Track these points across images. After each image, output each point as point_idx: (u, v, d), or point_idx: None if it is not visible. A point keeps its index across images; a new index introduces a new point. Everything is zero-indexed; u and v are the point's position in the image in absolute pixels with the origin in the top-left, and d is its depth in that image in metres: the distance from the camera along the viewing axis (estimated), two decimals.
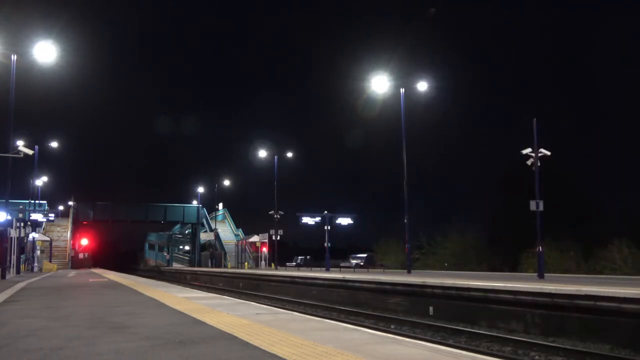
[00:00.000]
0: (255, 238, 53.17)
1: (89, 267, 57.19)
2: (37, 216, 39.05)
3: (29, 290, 15.96)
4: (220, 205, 67.75)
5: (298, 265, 48.00)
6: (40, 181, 50.98)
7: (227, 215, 69.16)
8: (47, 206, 55.98)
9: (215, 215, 67.27)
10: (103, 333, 6.57)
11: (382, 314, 16.34)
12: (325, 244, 33.43)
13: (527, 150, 20.30)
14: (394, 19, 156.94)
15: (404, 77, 27.03)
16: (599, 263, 30.83)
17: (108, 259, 76.66)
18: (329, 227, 33.46)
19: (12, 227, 30.42)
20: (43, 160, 58.41)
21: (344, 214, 35.37)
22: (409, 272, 25.15)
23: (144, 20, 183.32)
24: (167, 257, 73.27)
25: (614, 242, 29.85)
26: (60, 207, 60.33)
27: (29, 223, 37.50)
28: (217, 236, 59.85)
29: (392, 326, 14.51)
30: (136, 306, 10.17)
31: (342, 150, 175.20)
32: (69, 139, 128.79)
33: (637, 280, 18.39)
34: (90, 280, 23.18)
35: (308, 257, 53.24)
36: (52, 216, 40.85)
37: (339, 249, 59.47)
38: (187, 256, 71.19)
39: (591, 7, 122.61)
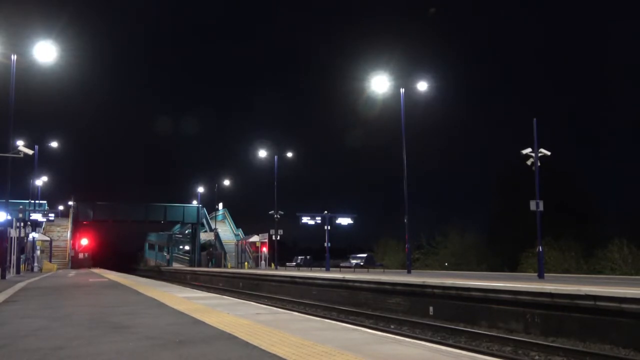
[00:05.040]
0: (255, 238, 53.17)
1: (89, 267, 57.12)
2: (37, 216, 39.03)
3: (29, 290, 15.96)
4: (220, 205, 67.78)
5: (298, 265, 47.98)
6: (40, 181, 50.93)
7: (227, 215, 69.14)
8: (47, 206, 55.96)
9: (215, 215, 67.25)
10: (103, 333, 6.57)
11: (382, 314, 16.33)
12: (325, 244, 33.43)
13: (527, 150, 20.28)
14: (394, 19, 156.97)
15: (404, 77, 27.04)
16: (599, 263, 30.83)
17: (108, 259, 76.49)
18: (329, 227, 33.46)
19: (12, 227, 30.40)
20: (43, 160, 58.29)
21: (344, 214, 35.37)
22: (409, 272, 25.14)
23: (145, 21, 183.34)
24: (167, 257, 73.23)
25: (614, 242, 29.85)
26: (60, 207, 60.34)
27: (29, 223, 37.49)
28: (217, 236, 59.83)
29: (392, 326, 14.51)
30: (136, 306, 10.17)
31: (342, 150, 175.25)
32: (69, 138, 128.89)
33: (637, 280, 18.39)
34: (90, 280, 23.18)
35: (308, 257, 53.21)
36: (52, 216, 40.81)
37: (339, 249, 59.56)
38: (187, 256, 71.15)
39: (590, 7, 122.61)
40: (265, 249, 50.21)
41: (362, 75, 29.31)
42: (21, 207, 32.51)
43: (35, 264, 44.16)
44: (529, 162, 20.36)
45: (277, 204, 40.02)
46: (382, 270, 34.13)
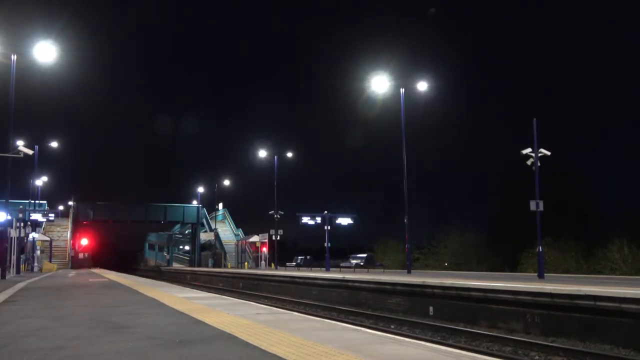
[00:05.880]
0: (255, 238, 53.17)
1: (89, 267, 57.13)
2: (37, 216, 39.02)
3: (29, 290, 15.96)
4: (220, 205, 67.74)
5: (298, 265, 47.99)
6: (40, 181, 50.95)
7: (227, 215, 69.12)
8: (47, 206, 55.95)
9: (215, 215, 67.22)
10: (103, 333, 6.58)
11: (382, 314, 16.33)
12: (325, 244, 33.42)
13: (527, 150, 20.27)
14: (394, 19, 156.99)
15: (404, 77, 27.04)
16: (599, 263, 30.85)
17: (108, 259, 76.43)
18: (329, 227, 33.45)
19: (12, 227, 30.40)
20: (43, 160, 58.32)
21: (344, 214, 35.36)
22: (409, 272, 25.14)
23: (145, 20, 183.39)
24: (167, 257, 73.24)
25: (614, 242, 29.85)
26: (60, 207, 60.37)
27: (29, 223, 37.49)
28: (217, 236, 59.82)
29: (392, 326, 14.51)
30: (136, 306, 10.17)
31: (342, 150, 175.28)
32: (69, 138, 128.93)
33: (637, 280, 18.39)
34: (90, 280, 23.18)
35: (308, 257, 53.25)
36: (52, 216, 40.80)
37: (339, 249, 59.62)
38: (187, 256, 71.17)
39: (590, 7, 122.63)
40: (265, 249, 50.21)
41: (362, 75, 29.34)
42: (21, 207, 32.52)
43: (35, 264, 44.16)
44: (529, 162, 20.35)
45: (277, 204, 40.07)
46: (382, 270, 34.13)
